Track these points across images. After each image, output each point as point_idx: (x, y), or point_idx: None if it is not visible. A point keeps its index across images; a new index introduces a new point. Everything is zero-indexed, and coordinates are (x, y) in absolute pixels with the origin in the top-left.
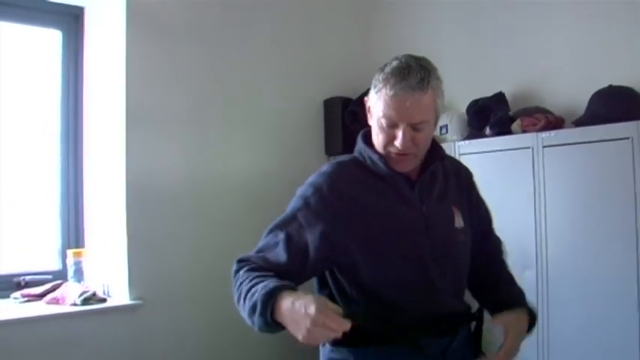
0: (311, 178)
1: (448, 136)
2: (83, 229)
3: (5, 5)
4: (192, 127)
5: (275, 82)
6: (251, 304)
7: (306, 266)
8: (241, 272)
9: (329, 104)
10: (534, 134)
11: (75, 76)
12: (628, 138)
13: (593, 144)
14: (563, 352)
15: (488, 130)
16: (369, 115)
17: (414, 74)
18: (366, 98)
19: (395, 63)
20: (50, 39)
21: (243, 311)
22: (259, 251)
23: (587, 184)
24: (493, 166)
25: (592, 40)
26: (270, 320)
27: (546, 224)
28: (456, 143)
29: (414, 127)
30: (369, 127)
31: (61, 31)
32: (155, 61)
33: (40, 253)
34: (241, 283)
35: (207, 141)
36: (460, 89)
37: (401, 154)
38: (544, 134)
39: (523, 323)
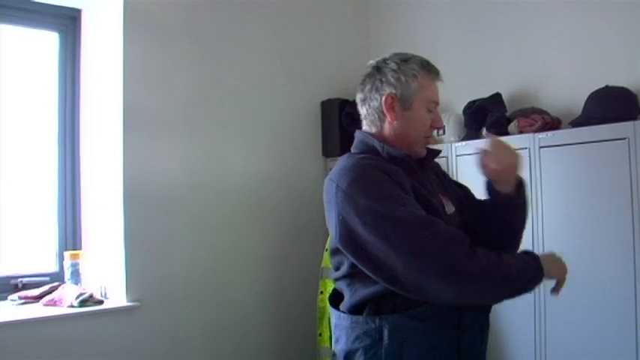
0: (350, 175)
1: (445, 137)
2: (80, 231)
3: (2, 8)
4: (190, 130)
5: (272, 84)
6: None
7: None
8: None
9: (326, 106)
10: (531, 135)
11: (72, 78)
12: (624, 138)
13: (590, 144)
14: (559, 349)
15: (485, 131)
16: (398, 108)
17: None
18: (392, 92)
19: (414, 56)
20: (48, 41)
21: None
22: (430, 234)
23: (583, 184)
24: None
25: (588, 41)
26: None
27: (543, 225)
28: (453, 144)
29: None
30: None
31: (59, 33)
32: (152, 63)
33: (37, 255)
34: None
35: (205, 143)
36: (457, 90)
37: (429, 136)
38: (541, 135)
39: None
